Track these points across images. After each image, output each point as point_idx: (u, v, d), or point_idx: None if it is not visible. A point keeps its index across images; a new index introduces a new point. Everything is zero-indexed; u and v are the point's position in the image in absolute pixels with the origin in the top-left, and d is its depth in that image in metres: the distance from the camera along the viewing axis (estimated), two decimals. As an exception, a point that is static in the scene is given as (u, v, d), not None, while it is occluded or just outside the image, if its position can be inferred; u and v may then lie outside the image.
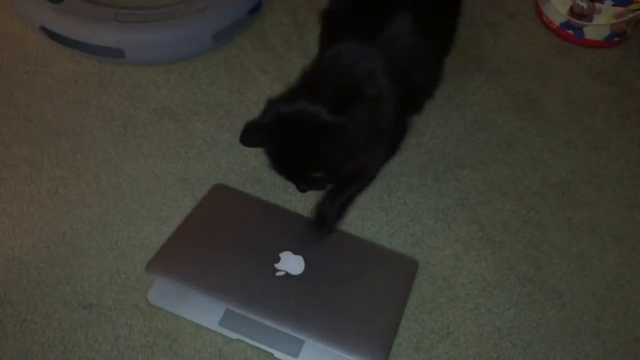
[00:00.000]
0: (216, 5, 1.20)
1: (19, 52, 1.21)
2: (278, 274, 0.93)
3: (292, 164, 0.93)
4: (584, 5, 1.22)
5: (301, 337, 0.88)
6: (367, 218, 1.04)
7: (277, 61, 1.24)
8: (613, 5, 1.19)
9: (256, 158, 1.08)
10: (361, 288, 0.93)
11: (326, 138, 0.87)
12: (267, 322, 0.88)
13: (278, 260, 0.94)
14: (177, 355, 0.90)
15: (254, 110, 1.14)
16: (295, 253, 0.95)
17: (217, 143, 1.10)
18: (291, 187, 1.04)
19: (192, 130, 1.12)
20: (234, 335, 0.89)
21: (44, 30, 1.17)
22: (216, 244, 0.95)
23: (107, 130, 1.11)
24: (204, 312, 0.91)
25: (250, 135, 0.92)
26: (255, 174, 1.07)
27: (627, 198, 1.08)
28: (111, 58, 1.17)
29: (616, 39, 1.26)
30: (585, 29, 1.25)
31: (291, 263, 0.94)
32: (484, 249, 1.02)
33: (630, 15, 1.21)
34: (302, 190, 1.00)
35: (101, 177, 1.06)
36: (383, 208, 1.05)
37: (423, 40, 1.00)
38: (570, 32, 1.27)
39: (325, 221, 0.97)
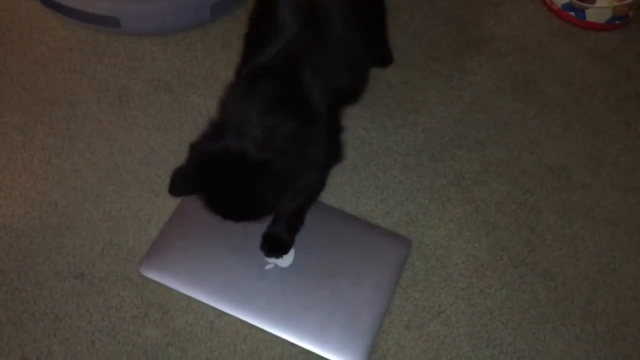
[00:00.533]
0: (215, -24, 1.18)
1: (13, 18, 1.19)
2: (267, 267, 0.93)
3: (225, 206, 0.83)
4: (587, -13, 1.21)
5: (287, 338, 0.89)
6: (361, 196, 1.03)
7: (275, 35, 1.22)
8: (616, -12, 1.18)
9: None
10: (351, 275, 0.93)
11: (255, 178, 0.79)
12: (254, 323, 0.89)
13: None
14: (168, 327, 0.90)
15: (250, 85, 1.12)
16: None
17: (211, 116, 1.09)
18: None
19: (187, 103, 1.11)
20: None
21: (39, -4, 1.15)
22: (207, 236, 0.94)
23: (101, 100, 1.10)
24: (196, 285, 0.91)
25: (179, 184, 0.83)
26: (250, 149, 1.06)
27: (623, 182, 1.08)
28: (107, 27, 1.16)
29: (618, 22, 1.25)
30: (587, 11, 1.24)
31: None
32: (478, 229, 1.02)
33: (633, -2, 1.20)
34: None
35: (95, 147, 1.05)
36: (378, 186, 1.05)
37: (346, 37, 0.91)
38: (572, 14, 1.26)
39: (280, 243, 0.92)
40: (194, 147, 0.84)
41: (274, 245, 0.92)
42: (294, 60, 0.85)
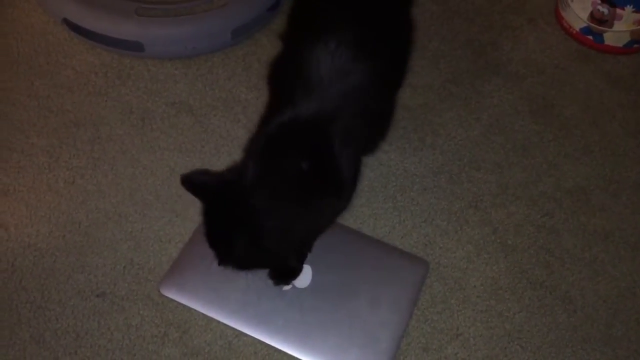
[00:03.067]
0: (236, 2, 1.20)
1: (41, 43, 1.23)
2: (285, 287, 0.94)
3: (217, 239, 0.83)
4: (605, 10, 1.21)
5: (304, 359, 0.89)
6: (379, 217, 1.04)
7: (295, 59, 1.24)
8: (634, 11, 1.18)
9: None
10: (369, 296, 0.93)
11: (241, 240, 0.79)
12: (272, 344, 0.90)
13: None
14: (187, 346, 0.91)
15: (270, 107, 1.14)
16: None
17: (232, 138, 1.11)
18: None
19: (208, 125, 1.13)
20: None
21: (66, 22, 1.19)
22: None
23: (125, 122, 1.12)
24: (215, 304, 0.92)
25: (192, 179, 0.84)
26: (269, 170, 1.07)
27: (643, 206, 1.07)
28: (131, 51, 1.19)
29: (636, 45, 1.25)
30: (605, 35, 1.24)
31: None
32: (496, 252, 1.02)
33: (652, 22, 1.20)
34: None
35: (118, 168, 1.07)
36: (396, 208, 1.05)
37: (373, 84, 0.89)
38: (590, 37, 1.27)
39: (287, 270, 0.93)
40: (228, 170, 0.87)
41: (282, 273, 0.92)
42: (325, 122, 0.84)
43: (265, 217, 0.79)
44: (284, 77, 0.93)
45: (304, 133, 0.84)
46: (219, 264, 0.83)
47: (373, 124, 0.94)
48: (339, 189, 0.86)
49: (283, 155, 0.83)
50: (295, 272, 0.93)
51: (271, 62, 0.99)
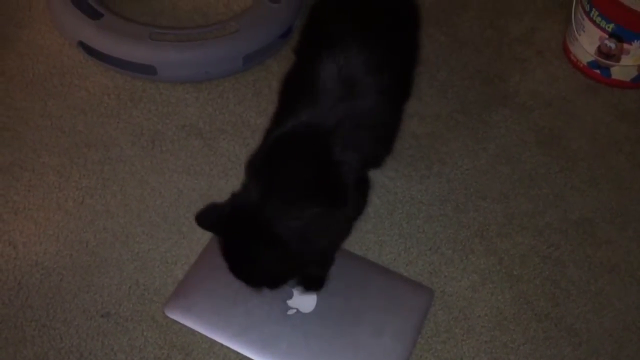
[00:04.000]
0: (248, 29, 1.23)
1: (56, 64, 1.25)
2: (289, 312, 0.94)
3: (233, 259, 0.84)
4: (612, 45, 1.22)
5: None
6: (385, 244, 1.04)
7: (305, 86, 1.26)
8: (641, 46, 1.20)
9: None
10: (373, 323, 0.93)
11: (267, 249, 0.80)
12: None
13: (291, 295, 0.95)
14: (190, 369, 0.90)
15: (279, 132, 1.16)
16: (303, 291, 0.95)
17: (241, 162, 1.12)
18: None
19: (217, 149, 1.14)
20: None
21: (82, 45, 1.21)
22: (231, 280, 0.94)
23: (135, 144, 1.14)
24: (218, 327, 0.92)
25: (205, 216, 0.86)
26: (277, 195, 1.08)
27: (649, 239, 1.07)
28: (144, 75, 1.21)
29: (643, 80, 1.27)
30: (612, 69, 1.26)
31: (303, 299, 0.95)
32: (502, 282, 1.01)
33: (659, 57, 1.21)
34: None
35: (127, 189, 1.08)
36: (402, 235, 1.06)
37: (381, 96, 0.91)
38: (598, 71, 1.28)
39: (315, 279, 0.94)
40: (234, 196, 0.86)
41: (310, 282, 0.93)
42: (327, 131, 0.85)
43: (282, 228, 0.80)
44: (291, 89, 0.95)
45: (305, 142, 0.86)
46: (253, 288, 0.84)
47: (378, 137, 0.95)
48: (341, 197, 0.87)
49: (286, 165, 0.85)
50: (323, 280, 0.94)
51: (284, 76, 1.00)
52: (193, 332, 0.93)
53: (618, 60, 1.24)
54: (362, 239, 1.04)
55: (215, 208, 0.86)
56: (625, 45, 1.21)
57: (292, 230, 0.80)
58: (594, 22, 1.23)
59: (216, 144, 1.15)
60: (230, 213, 0.84)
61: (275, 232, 0.80)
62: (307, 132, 0.86)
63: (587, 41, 1.26)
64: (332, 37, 0.91)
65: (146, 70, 1.19)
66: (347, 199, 0.87)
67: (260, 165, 0.87)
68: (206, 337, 0.92)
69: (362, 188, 0.96)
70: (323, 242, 0.87)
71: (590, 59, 1.27)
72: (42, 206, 1.05)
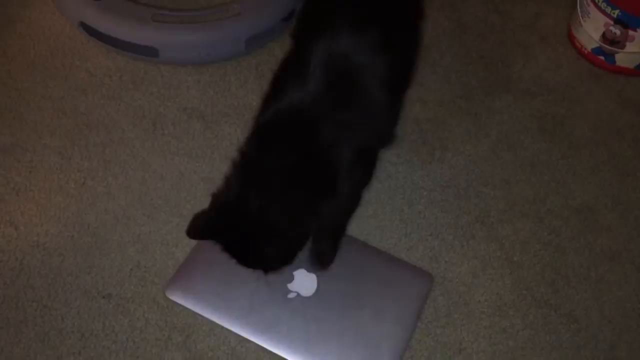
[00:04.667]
0: (250, 11, 1.22)
1: (57, 45, 1.24)
2: (290, 295, 0.94)
3: (237, 256, 0.85)
4: (617, 31, 1.22)
5: None
6: (386, 229, 1.04)
7: (307, 69, 1.25)
8: (646, 33, 1.19)
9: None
10: (373, 308, 0.93)
11: (263, 238, 0.82)
12: (275, 351, 0.90)
13: (291, 279, 0.95)
14: (190, 351, 0.91)
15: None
16: (309, 270, 0.95)
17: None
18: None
19: (219, 132, 1.14)
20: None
21: (83, 25, 1.20)
22: (232, 263, 0.95)
23: (137, 126, 1.14)
24: (219, 310, 0.92)
25: (196, 229, 0.86)
26: (278, 179, 1.08)
27: (650, 227, 1.07)
28: (145, 56, 1.20)
29: (648, 67, 1.26)
30: (617, 56, 1.25)
31: (303, 283, 0.95)
32: (502, 268, 1.02)
33: (664, 44, 1.21)
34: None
35: (128, 171, 1.08)
36: (403, 220, 1.06)
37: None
38: (602, 58, 1.27)
39: (324, 258, 0.94)
40: (214, 197, 0.86)
41: (320, 259, 0.94)
42: (315, 115, 0.84)
43: (274, 213, 0.81)
44: (283, 75, 0.94)
45: (290, 127, 0.85)
46: (267, 273, 0.86)
47: (374, 123, 0.92)
48: (328, 185, 0.86)
49: (269, 154, 0.84)
50: (332, 258, 0.94)
51: (282, 60, 1.00)
52: (194, 314, 0.93)
53: (623, 47, 1.23)
54: (363, 224, 1.04)
55: (201, 217, 0.87)
56: (631, 32, 1.20)
57: (283, 215, 0.81)
58: (599, 8, 1.22)
59: (218, 127, 1.15)
60: (216, 216, 0.84)
61: (268, 220, 0.80)
62: (293, 117, 0.85)
63: (592, 27, 1.25)
64: (326, 21, 0.91)
65: (148, 52, 1.19)
66: (335, 188, 0.86)
67: (242, 156, 0.86)
68: (207, 319, 0.92)
69: (363, 167, 0.95)
70: (326, 221, 0.88)
71: (594, 45, 1.26)
72: (43, 187, 1.05)
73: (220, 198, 0.85)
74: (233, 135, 1.13)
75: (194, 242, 1.00)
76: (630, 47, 1.22)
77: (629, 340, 0.95)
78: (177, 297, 0.94)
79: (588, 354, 0.94)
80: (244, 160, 0.86)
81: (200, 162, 1.10)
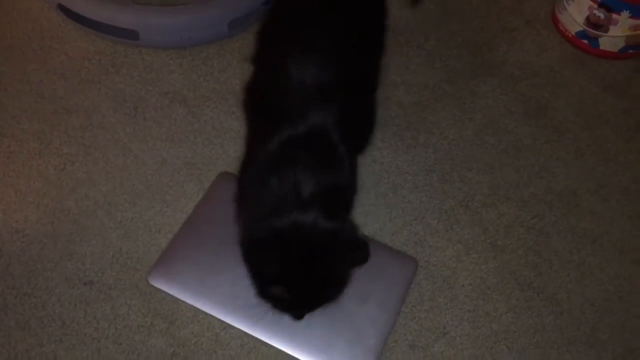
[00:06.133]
0: (233, -7, 1.20)
1: (35, 28, 1.21)
2: None
3: (311, 293, 0.82)
4: (601, 15, 1.21)
5: (291, 353, 0.89)
6: (370, 214, 1.04)
7: (291, 53, 1.24)
8: (630, 17, 1.19)
9: (264, 147, 1.08)
10: (357, 292, 0.93)
11: (338, 250, 0.80)
12: (259, 337, 0.90)
13: None
14: (174, 337, 0.90)
15: (264, 100, 1.14)
16: None
17: (225, 130, 1.11)
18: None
19: (201, 116, 1.12)
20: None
21: (61, 8, 1.18)
22: (215, 249, 0.95)
23: (117, 110, 1.12)
24: (203, 296, 0.92)
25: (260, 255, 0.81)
26: (262, 163, 1.07)
27: (632, 210, 1.08)
28: (126, 39, 1.18)
29: (631, 51, 1.26)
30: (600, 40, 1.25)
31: None
32: (486, 252, 1.02)
33: (647, 28, 1.21)
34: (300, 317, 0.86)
35: (109, 156, 1.06)
36: (387, 205, 1.05)
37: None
38: (585, 41, 1.27)
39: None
40: (248, 240, 0.84)
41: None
42: (323, 125, 0.84)
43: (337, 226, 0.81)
44: (262, 101, 0.92)
45: (307, 146, 0.84)
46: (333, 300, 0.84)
47: (356, 129, 0.93)
48: (345, 172, 0.87)
49: (291, 174, 0.81)
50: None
51: (245, 86, 0.98)
52: (177, 301, 0.92)
53: (606, 30, 1.23)
54: (348, 209, 1.04)
55: (260, 241, 0.81)
56: (614, 15, 1.20)
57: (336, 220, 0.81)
58: (583, -9, 1.22)
59: (200, 111, 1.13)
60: (282, 242, 0.80)
61: (329, 229, 0.80)
62: (306, 135, 0.84)
63: (576, 10, 1.25)
64: (294, 36, 0.90)
65: (128, 35, 1.16)
66: (349, 169, 0.88)
67: (268, 179, 0.83)
68: (190, 305, 0.92)
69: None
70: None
71: (578, 29, 1.26)
72: (22, 173, 1.03)
73: (268, 224, 0.80)
74: (216, 119, 1.12)
75: (176, 228, 0.99)
76: (613, 30, 1.22)
77: (610, 322, 0.96)
78: (160, 284, 0.93)
79: (570, 336, 0.95)
80: (260, 187, 0.84)
81: (183, 146, 1.08)
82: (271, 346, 0.89)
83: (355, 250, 0.81)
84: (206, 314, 0.91)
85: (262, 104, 0.93)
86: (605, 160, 1.13)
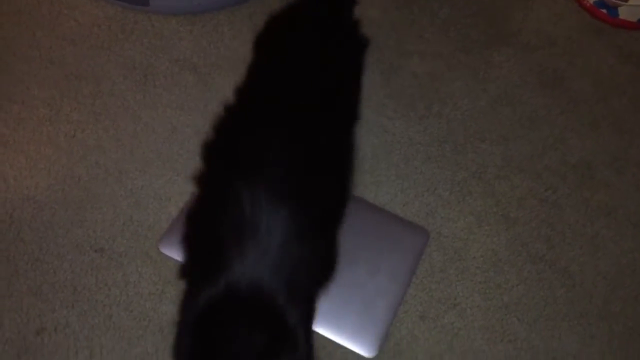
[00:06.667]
0: (244, -42, 1.18)
1: (44, -7, 1.20)
2: None
3: None
4: (621, -17, 1.18)
5: None
6: (381, 185, 1.03)
7: (302, 20, 1.22)
8: (651, -15, 1.16)
9: (275, 116, 1.07)
10: (368, 263, 0.93)
11: None
12: None
13: None
14: (185, 305, 0.90)
15: (275, 68, 1.13)
16: None
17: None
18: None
19: (212, 84, 1.11)
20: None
21: (70, -28, 1.16)
22: None
23: (127, 78, 1.11)
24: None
25: None
26: (273, 132, 1.06)
27: (647, 184, 1.07)
28: (136, 5, 1.16)
29: (651, 21, 1.23)
30: (619, 9, 1.22)
31: None
32: (498, 224, 1.01)
33: (668, -3, 1.18)
34: None
35: (119, 124, 1.05)
36: (399, 176, 1.04)
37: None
38: (604, 11, 1.24)
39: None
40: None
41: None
42: (267, 287, 0.72)
43: None
44: (208, 231, 0.79)
45: (247, 306, 0.73)
46: None
47: (316, 267, 0.80)
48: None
49: (225, 335, 0.72)
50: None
51: (189, 213, 0.85)
52: (187, 269, 0.92)
53: (626, 0, 1.20)
54: (359, 180, 1.03)
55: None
56: (635, -16, 1.17)
57: None
58: (603, -42, 1.19)
59: (211, 79, 1.12)
60: None
61: None
62: (246, 292, 0.72)
63: (596, -21, 1.22)
64: (249, 162, 0.78)
65: (138, 1, 1.14)
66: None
67: (191, 332, 0.73)
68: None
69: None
70: None
71: (597, -2, 1.23)
72: (32, 139, 1.03)
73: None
74: (226, 87, 1.11)
75: (187, 196, 0.98)
76: (633, 0, 1.19)
77: (622, 295, 0.96)
78: (171, 252, 0.93)
79: (582, 309, 0.94)
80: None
81: (193, 115, 1.07)
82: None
83: None
84: (217, 282, 0.91)
85: (204, 238, 0.80)
86: (621, 133, 1.12)
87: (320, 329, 0.89)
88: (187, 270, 0.82)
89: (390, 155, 1.06)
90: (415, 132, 1.09)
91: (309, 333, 0.78)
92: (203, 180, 0.85)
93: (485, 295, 0.95)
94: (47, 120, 1.05)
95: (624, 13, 1.22)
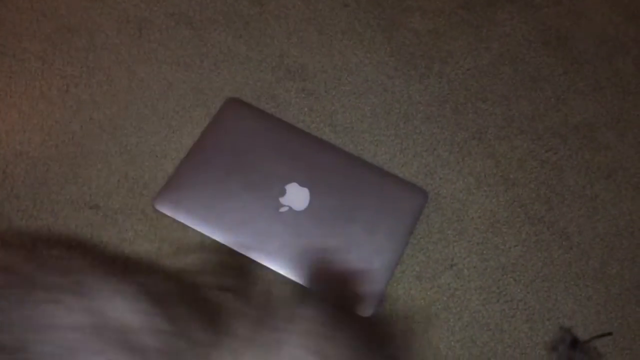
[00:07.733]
0: None
1: (34, -58, 1.16)
2: (282, 209, 0.92)
3: None
4: (630, -60, 1.15)
5: (298, 281, 0.89)
6: (381, 144, 1.02)
7: (302, -26, 1.18)
8: (661, -58, 1.13)
9: (272, 73, 1.05)
10: (365, 223, 0.92)
11: None
12: (266, 264, 0.89)
13: (284, 193, 0.93)
14: (181, 263, 0.90)
15: (273, 24, 1.10)
16: (301, 184, 0.93)
17: (233, 55, 1.07)
18: (305, 105, 1.02)
19: (208, 40, 1.08)
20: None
21: None
22: (223, 175, 0.93)
23: (121, 31, 1.08)
24: (209, 222, 0.91)
25: None
26: (270, 90, 1.04)
27: (649, 146, 1.05)
28: (129, -44, 1.12)
29: (659, -21, 1.20)
30: (627, -34, 1.19)
31: (296, 197, 0.93)
32: (497, 185, 1.00)
33: (678, -46, 1.14)
34: None
35: (113, 79, 1.03)
36: (398, 135, 1.03)
37: None
38: (611, -32, 1.21)
39: None
40: None
41: None
42: None
43: None
44: None
45: None
46: None
47: None
48: None
49: None
50: None
51: None
52: (183, 227, 0.91)
53: (635, -44, 1.17)
54: (358, 139, 1.01)
55: None
56: (644, -60, 1.14)
57: None
58: None
59: (207, 34, 1.09)
60: None
61: None
62: None
63: None
64: None
65: (132, -49, 1.11)
66: None
67: None
68: (197, 231, 0.91)
69: None
70: None
71: (605, -46, 1.20)
72: (24, 94, 1.01)
73: None
74: (223, 43, 1.08)
75: (183, 153, 0.97)
76: (642, -44, 1.16)
77: (620, 257, 0.96)
78: (167, 209, 0.92)
79: (578, 270, 0.94)
80: None
81: (189, 70, 1.05)
82: (277, 274, 0.89)
83: None
84: (213, 240, 0.91)
85: None
86: (625, 94, 1.10)
87: (317, 287, 0.89)
88: None
89: (390, 114, 1.05)
90: (415, 90, 1.07)
91: None
92: None
93: (483, 256, 0.95)
94: (39, 74, 1.02)
95: (631, -29, 1.19)
